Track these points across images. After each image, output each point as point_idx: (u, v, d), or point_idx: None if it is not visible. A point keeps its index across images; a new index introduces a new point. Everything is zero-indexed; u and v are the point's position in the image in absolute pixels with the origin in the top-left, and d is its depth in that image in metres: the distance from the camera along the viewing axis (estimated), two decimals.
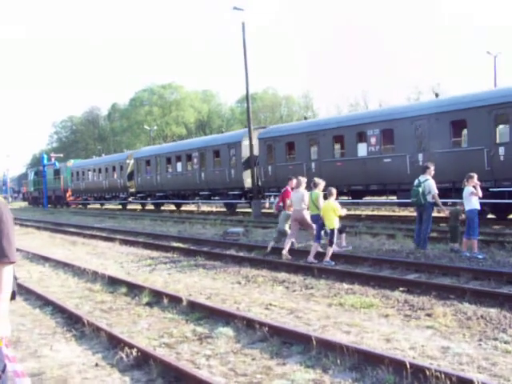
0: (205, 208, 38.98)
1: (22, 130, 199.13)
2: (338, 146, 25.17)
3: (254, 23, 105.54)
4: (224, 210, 34.21)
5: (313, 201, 13.40)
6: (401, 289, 9.47)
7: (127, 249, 17.44)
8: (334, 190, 12.97)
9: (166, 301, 9.22)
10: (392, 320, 7.66)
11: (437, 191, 13.56)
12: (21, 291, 10.98)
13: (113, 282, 11.36)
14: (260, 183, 28.71)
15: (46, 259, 15.49)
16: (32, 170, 67.23)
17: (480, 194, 12.75)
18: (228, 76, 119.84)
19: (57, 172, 55.48)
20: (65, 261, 14.61)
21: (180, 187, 35.79)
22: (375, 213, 27.01)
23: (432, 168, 13.80)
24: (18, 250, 17.61)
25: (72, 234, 23.46)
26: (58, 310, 9.09)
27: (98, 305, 9.66)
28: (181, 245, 17.01)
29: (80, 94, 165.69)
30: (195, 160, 33.95)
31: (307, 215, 13.64)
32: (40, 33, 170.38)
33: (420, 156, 20.46)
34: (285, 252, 13.47)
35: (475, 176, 12.88)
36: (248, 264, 12.96)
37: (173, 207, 40.28)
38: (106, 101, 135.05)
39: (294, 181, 14.50)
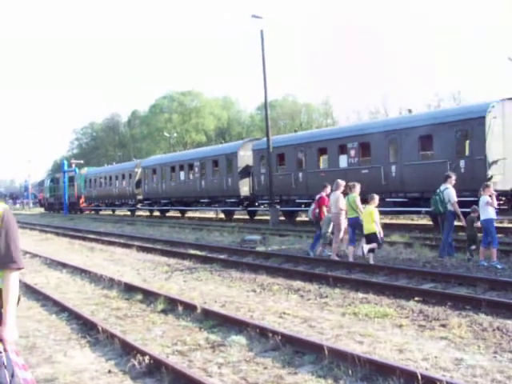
0: (222, 215, 39.09)
1: (43, 136, 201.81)
2: (322, 158, 26.95)
3: (274, 30, 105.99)
4: (243, 217, 34.45)
5: (350, 204, 13.69)
6: (416, 298, 9.40)
7: (144, 256, 17.52)
8: (376, 196, 13.38)
9: (180, 308, 9.25)
10: (406, 330, 7.60)
11: (456, 199, 13.56)
12: (38, 297, 11.15)
13: (129, 289, 11.41)
14: (254, 192, 30.69)
15: (63, 265, 15.61)
16: (48, 176, 69.62)
17: (495, 203, 12.67)
18: (248, 83, 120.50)
19: (71, 179, 57.52)
20: (82, 267, 14.70)
21: (183, 195, 37.76)
22: (393, 221, 26.83)
23: (453, 177, 13.91)
24: (36, 255, 17.99)
25: (90, 240, 23.63)
26: (74, 317, 9.16)
27: (113, 311, 9.71)
28: (198, 252, 17.06)
29: (101, 101, 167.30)
30: (196, 169, 36.08)
31: (342, 218, 13.97)
32: (64, 40, 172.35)
33: (393, 168, 22.31)
34: (333, 257, 13.95)
35: (491, 185, 12.84)
36: (264, 272, 12.95)
37: (178, 213, 41.98)
38: (127, 108, 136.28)
39: (328, 187, 15.03)
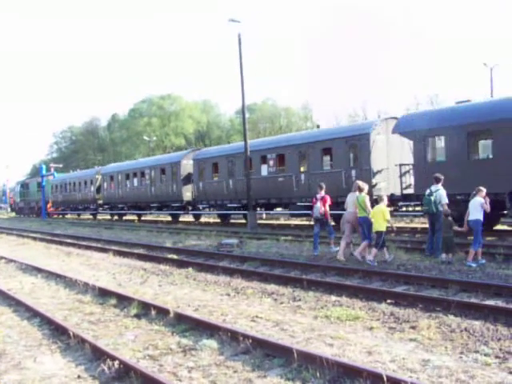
0: (203, 219, 39.24)
1: (22, 140, 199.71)
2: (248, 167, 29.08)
3: (252, 34, 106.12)
4: (218, 221, 34.79)
5: (360, 203, 14.20)
6: (388, 301, 9.49)
7: (121, 260, 17.45)
8: (385, 197, 14.22)
9: (153, 313, 9.24)
10: (376, 333, 7.68)
11: (447, 201, 14.05)
12: (11, 303, 11.06)
13: (103, 294, 11.36)
14: (195, 197, 34.11)
15: (38, 270, 15.49)
16: (18, 182, 72.56)
17: (488, 208, 13.05)
18: (228, 86, 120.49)
19: (39, 185, 59.51)
20: (58, 272, 14.60)
21: (137, 200, 41.12)
22: None
23: (442, 178, 14.37)
24: (12, 260, 17.84)
25: (68, 244, 23.46)
26: (46, 322, 9.10)
27: (86, 316, 9.67)
28: (174, 256, 17.02)
29: (80, 105, 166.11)
30: (147, 176, 39.59)
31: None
32: (40, 44, 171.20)
33: (302, 176, 25.84)
34: (340, 256, 14.21)
35: (484, 190, 13.13)
36: (239, 275, 12.97)
37: (135, 217, 45.15)
38: (106, 111, 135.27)
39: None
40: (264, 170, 28.53)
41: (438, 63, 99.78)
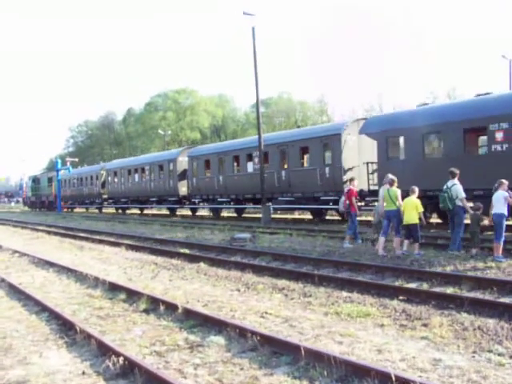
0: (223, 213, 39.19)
1: (39, 134, 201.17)
2: (236, 164, 32.27)
3: (268, 27, 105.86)
4: (232, 214, 34.94)
5: (391, 197, 14.20)
6: (400, 297, 9.33)
7: (133, 254, 17.41)
8: (416, 188, 14.04)
9: (162, 308, 9.15)
10: (387, 330, 7.52)
11: (464, 195, 13.80)
12: (20, 297, 11.04)
13: (113, 288, 11.31)
14: (189, 192, 36.22)
15: (51, 264, 15.48)
16: (30, 177, 73.89)
17: None
18: (243, 80, 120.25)
19: (50, 180, 62.41)
20: (69, 266, 14.57)
21: (138, 194, 43.30)
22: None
23: (458, 173, 14.10)
24: (25, 254, 17.86)
25: (81, 238, 23.49)
26: (54, 317, 9.05)
27: (95, 311, 9.61)
28: (187, 251, 16.93)
29: (96, 99, 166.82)
30: (147, 172, 41.87)
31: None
32: (60, 40, 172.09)
33: (283, 173, 27.72)
34: (381, 252, 13.99)
35: (506, 182, 12.94)
36: (250, 270, 12.85)
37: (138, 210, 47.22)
38: (122, 106, 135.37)
39: (355, 181, 16.92)
40: (250, 167, 30.52)
41: (445, 61, 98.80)
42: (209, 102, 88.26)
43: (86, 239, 22.97)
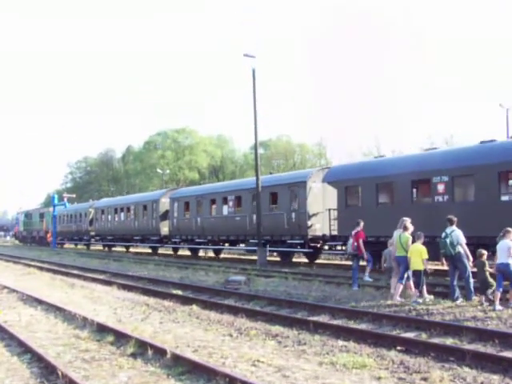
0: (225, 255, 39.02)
1: (38, 169, 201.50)
2: (213, 207, 33.88)
3: (270, 69, 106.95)
4: (233, 256, 34.72)
5: (401, 243, 14.07)
6: (398, 348, 8.96)
7: (124, 294, 17.00)
8: (422, 235, 13.88)
9: (150, 352, 8.78)
10: (384, 383, 7.15)
11: (465, 240, 13.54)
12: (4, 336, 10.65)
13: (101, 330, 10.92)
14: (170, 232, 38.05)
15: (39, 302, 15.09)
16: (22, 212, 75.84)
17: None
18: (242, 122, 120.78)
19: (41, 215, 64.08)
20: (58, 304, 14.17)
21: (123, 232, 45.02)
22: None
23: (455, 220, 13.86)
24: (14, 291, 17.44)
25: (73, 276, 23.07)
26: (37, 359, 8.67)
27: (80, 353, 9.22)
28: (180, 292, 16.55)
29: (96, 136, 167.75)
30: (132, 212, 43.82)
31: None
32: (59, 74, 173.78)
33: (254, 216, 28.62)
34: (397, 297, 13.66)
35: None
36: (244, 315, 12.46)
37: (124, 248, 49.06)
38: (121, 143, 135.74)
39: (362, 223, 16.91)
40: (225, 210, 32.22)
41: (454, 103, 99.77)
42: (208, 142, 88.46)
43: (78, 277, 22.56)
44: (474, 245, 15.71)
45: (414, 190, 21.18)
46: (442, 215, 16.72)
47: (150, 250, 43.65)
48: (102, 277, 21.85)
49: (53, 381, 7.45)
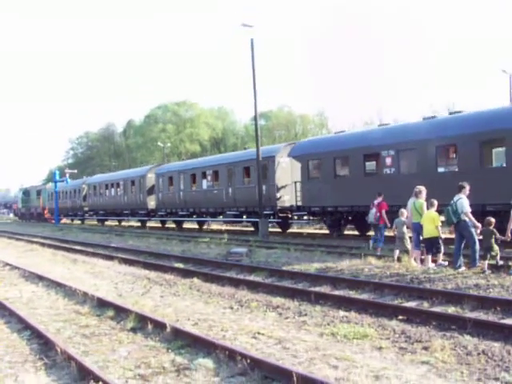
0: (214, 226, 39.04)
1: (39, 145, 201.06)
2: (193, 180, 36.02)
3: (268, 39, 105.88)
4: (230, 228, 34.87)
5: (416, 209, 14.30)
6: (399, 317, 8.90)
7: (126, 268, 16.99)
8: (435, 202, 13.89)
9: (150, 326, 8.72)
10: (385, 353, 7.09)
11: (469, 209, 13.29)
12: (4, 313, 10.61)
13: (101, 305, 10.88)
14: (156, 206, 40.18)
15: (40, 278, 15.06)
16: (21, 189, 78.35)
17: None
18: (243, 93, 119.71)
19: (38, 192, 66.56)
20: (59, 280, 14.14)
21: (114, 207, 47.23)
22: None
23: (467, 187, 13.67)
24: (16, 267, 17.43)
25: (75, 251, 23.07)
26: (36, 335, 8.62)
27: (80, 329, 9.18)
28: (181, 265, 16.54)
29: (96, 111, 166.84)
30: (121, 187, 45.89)
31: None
32: (60, 50, 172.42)
33: (230, 189, 31.29)
34: (417, 263, 14.01)
35: None
36: (245, 287, 12.43)
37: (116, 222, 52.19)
38: (122, 118, 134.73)
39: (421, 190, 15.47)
40: (204, 184, 34.37)
41: (455, 69, 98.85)
42: (209, 114, 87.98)
43: (81, 252, 22.57)
44: None
45: (366, 163, 23.01)
46: (390, 186, 20.05)
47: (139, 224, 45.90)
48: (103, 252, 21.86)
49: (52, 357, 7.40)
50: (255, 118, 27.97)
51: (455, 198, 13.50)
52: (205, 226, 39.35)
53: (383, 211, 16.91)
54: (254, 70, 26.24)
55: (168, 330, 8.26)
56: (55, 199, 56.18)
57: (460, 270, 12.91)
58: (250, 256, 17.63)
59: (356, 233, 25.57)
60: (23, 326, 9.35)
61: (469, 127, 18.77)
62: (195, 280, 13.77)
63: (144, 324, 8.96)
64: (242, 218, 31.24)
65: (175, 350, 7.59)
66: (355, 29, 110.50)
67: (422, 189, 14.56)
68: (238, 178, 30.69)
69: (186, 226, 41.30)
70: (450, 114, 21.79)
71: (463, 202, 13.30)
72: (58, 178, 57.50)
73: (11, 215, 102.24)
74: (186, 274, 14.93)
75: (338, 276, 13.07)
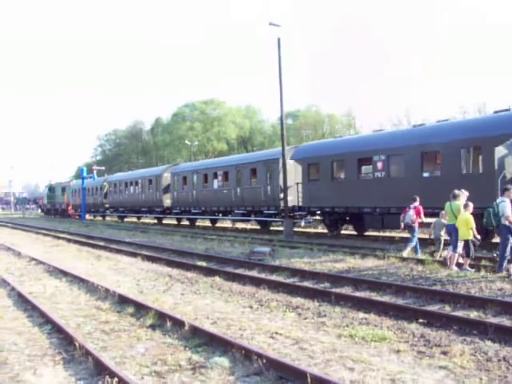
0: (240, 225, 39.07)
1: (69, 142, 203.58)
2: (205, 180, 37.60)
3: (298, 40, 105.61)
4: (257, 227, 34.75)
5: (453, 211, 14.43)
6: (420, 320, 8.79)
7: (148, 265, 17.09)
8: (470, 204, 14.01)
9: (169, 324, 8.76)
10: (403, 357, 7.00)
11: (510, 213, 12.84)
12: (27, 307, 10.75)
13: (122, 301, 10.96)
14: (172, 204, 41.80)
15: (64, 273, 15.22)
16: (47, 186, 79.94)
17: None
18: (271, 92, 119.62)
19: (63, 189, 68.94)
20: (82, 276, 14.27)
21: (133, 204, 49.30)
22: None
23: (511, 189, 13.34)
24: (41, 262, 17.65)
25: (99, 247, 23.28)
26: (56, 330, 8.71)
27: (100, 325, 9.26)
28: (204, 263, 16.57)
29: (125, 109, 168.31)
30: (139, 185, 47.81)
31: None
32: (90, 50, 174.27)
33: (238, 189, 32.88)
34: (453, 266, 13.86)
35: None
36: (266, 286, 12.39)
37: (135, 219, 52.90)
38: (150, 115, 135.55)
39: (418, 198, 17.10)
40: (215, 184, 35.95)
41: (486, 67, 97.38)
42: (236, 113, 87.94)
43: (105, 248, 22.77)
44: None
45: (361, 167, 24.53)
46: (380, 189, 22.06)
47: (155, 221, 47.33)
48: (127, 248, 22.01)
49: (70, 351, 7.47)
50: (281, 117, 27.93)
51: (498, 201, 13.21)
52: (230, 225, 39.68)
53: (422, 215, 17.16)
54: (281, 69, 26.20)
55: (186, 327, 8.28)
56: (82, 196, 56.81)
57: (501, 273, 12.66)
58: (273, 255, 17.58)
59: (354, 232, 27.02)
60: (44, 321, 9.46)
61: (452, 135, 19.94)
62: (217, 278, 13.79)
63: (163, 321, 9.00)
64: (249, 216, 32.63)
65: (192, 348, 7.61)
66: (381, 27, 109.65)
67: (460, 192, 14.59)
68: (246, 179, 32.29)
69: (198, 223, 42.87)
70: (437, 121, 22.53)
71: (505, 205, 12.92)
72: (85, 174, 58.06)
73: (39, 211, 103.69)
74: (208, 272, 14.96)
75: (359, 277, 12.97)
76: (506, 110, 19.71)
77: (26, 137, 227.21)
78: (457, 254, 14.00)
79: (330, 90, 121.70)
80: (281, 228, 30.58)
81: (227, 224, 40.42)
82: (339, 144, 26.21)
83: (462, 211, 13.95)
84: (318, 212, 26.77)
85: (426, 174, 21.11)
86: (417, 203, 17.30)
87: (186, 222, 42.93)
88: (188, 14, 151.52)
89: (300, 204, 27.24)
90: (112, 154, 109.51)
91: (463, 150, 19.44)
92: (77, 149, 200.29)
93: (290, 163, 28.11)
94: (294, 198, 27.83)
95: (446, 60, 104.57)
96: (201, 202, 37.44)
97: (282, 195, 27.96)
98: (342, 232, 27.51)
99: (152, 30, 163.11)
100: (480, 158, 19.28)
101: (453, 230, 14.29)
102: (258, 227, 33.62)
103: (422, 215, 17.13)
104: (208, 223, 41.49)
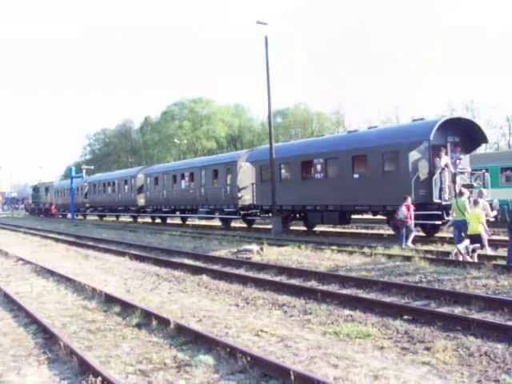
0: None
1: (57, 141, 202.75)
2: (174, 181, 39.78)
3: (284, 37, 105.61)
4: (243, 225, 34.86)
5: (459, 207, 15.09)
6: (405, 317, 8.84)
7: (136, 264, 17.08)
8: (480, 200, 14.53)
9: (154, 323, 8.76)
10: (387, 353, 7.05)
11: None
12: (13, 307, 10.72)
13: (109, 300, 10.96)
14: (145, 203, 44.01)
15: (52, 273, 15.17)
16: (31, 186, 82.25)
17: None
18: (259, 91, 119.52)
19: (46, 189, 70.68)
20: (69, 276, 14.24)
21: (111, 204, 51.68)
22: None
23: None
24: (29, 262, 17.58)
25: (88, 247, 23.23)
26: (41, 330, 8.70)
27: (86, 324, 9.25)
28: (191, 262, 16.58)
29: (114, 108, 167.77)
30: (116, 186, 50.11)
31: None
32: (78, 47, 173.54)
33: (202, 189, 35.30)
34: (462, 257, 14.23)
35: None
36: (253, 284, 12.43)
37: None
38: (139, 114, 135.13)
39: (409, 198, 18.43)
40: (183, 184, 38.20)
41: (473, 64, 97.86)
42: (225, 111, 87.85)
43: (93, 248, 22.72)
44: (338, 212, 23.77)
45: (303, 169, 26.28)
46: (320, 189, 24.55)
47: (151, 220, 47.30)
48: (116, 248, 21.97)
49: (55, 351, 7.46)
50: (269, 116, 27.85)
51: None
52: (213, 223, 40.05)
53: (412, 211, 18.40)
54: (268, 68, 26.17)
55: (172, 326, 8.30)
56: (71, 195, 56.59)
57: None
58: (260, 253, 17.60)
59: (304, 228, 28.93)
60: (30, 321, 9.44)
61: (376, 141, 22.20)
62: (204, 277, 13.81)
63: (149, 320, 9.01)
64: (214, 214, 34.86)
65: (177, 346, 7.63)
66: (370, 25, 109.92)
67: (464, 190, 15.76)
68: (209, 180, 34.75)
69: (169, 221, 44.41)
70: (369, 128, 25.26)
71: None
72: (74, 173, 57.81)
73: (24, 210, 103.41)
74: (195, 270, 14.97)
75: (346, 275, 13.02)
76: (421, 119, 22.22)
77: (15, 136, 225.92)
78: (470, 247, 14.31)
79: (320, 89, 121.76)
80: (242, 225, 33.59)
81: (215, 222, 40.44)
82: (286, 148, 28.68)
83: (468, 207, 14.80)
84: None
85: (356, 175, 23.03)
86: (408, 201, 18.46)
87: (158, 220, 44.55)
88: (178, 13, 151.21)
89: (255, 202, 29.48)
90: (101, 153, 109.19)
91: (385, 154, 21.51)
92: (66, 148, 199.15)
93: (248, 165, 30.89)
94: (250, 197, 30.34)
95: (436, 59, 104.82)
96: (170, 201, 39.81)
97: (239, 194, 31.06)
98: (335, 230, 27.69)
99: (141, 29, 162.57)
100: (398, 161, 21.07)
101: (462, 225, 14.87)
102: (319, 229, 33.25)
103: (412, 211, 18.31)
104: (178, 220, 43.69)
